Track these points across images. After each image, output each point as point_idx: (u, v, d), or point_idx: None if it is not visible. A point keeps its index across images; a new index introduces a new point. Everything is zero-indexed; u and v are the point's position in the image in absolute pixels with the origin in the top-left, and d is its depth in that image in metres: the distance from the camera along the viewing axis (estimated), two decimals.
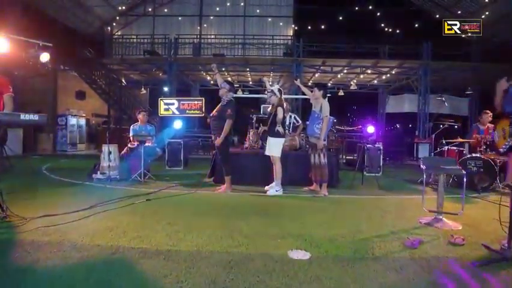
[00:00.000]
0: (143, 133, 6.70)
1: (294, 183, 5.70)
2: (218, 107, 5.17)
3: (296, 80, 6.41)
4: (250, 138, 6.49)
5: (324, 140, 5.12)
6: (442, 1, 16.92)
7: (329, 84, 17.23)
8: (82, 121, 15.33)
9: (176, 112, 11.04)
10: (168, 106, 11.18)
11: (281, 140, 5.14)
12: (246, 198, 4.84)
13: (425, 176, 3.52)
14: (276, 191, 5.05)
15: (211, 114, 5.15)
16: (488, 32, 14.57)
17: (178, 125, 8.47)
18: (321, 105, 5.06)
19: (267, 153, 5.21)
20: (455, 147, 6.59)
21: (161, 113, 11.12)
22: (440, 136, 7.02)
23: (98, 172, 6.08)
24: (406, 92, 18.04)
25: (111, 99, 14.74)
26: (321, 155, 5.07)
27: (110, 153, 6.06)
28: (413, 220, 3.67)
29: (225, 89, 5.12)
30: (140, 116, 6.78)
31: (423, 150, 13.65)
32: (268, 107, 5.57)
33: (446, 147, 6.39)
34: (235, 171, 5.77)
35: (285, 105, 5.47)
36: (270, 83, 5.71)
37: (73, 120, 14.52)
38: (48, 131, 13.38)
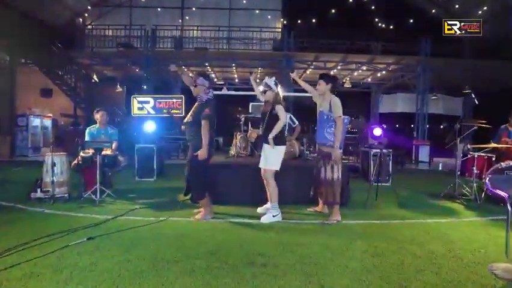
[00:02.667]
0: (103, 138, 5.33)
1: (293, 202, 4.46)
2: (194, 108, 3.84)
3: (292, 72, 5.01)
4: (238, 143, 5.20)
5: (340, 148, 3.89)
6: None
7: None
8: (47, 122, 13.57)
9: (152, 112, 9.61)
10: (142, 105, 9.74)
11: (281, 149, 3.90)
12: (232, 230, 3.51)
13: (510, 209, 2.30)
14: (274, 216, 3.78)
15: (185, 120, 3.81)
16: (484, 29, 13.83)
17: (150, 126, 7.01)
18: (330, 103, 3.83)
19: (262, 165, 3.92)
20: (483, 154, 5.49)
21: (134, 112, 9.68)
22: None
23: (39, 190, 4.66)
24: (399, 91, 17.16)
25: (79, 97, 13.11)
26: (335, 168, 3.83)
27: (54, 165, 4.63)
28: (482, 268, 2.47)
29: (203, 86, 3.76)
30: (98, 116, 5.39)
31: (424, 153, 12.71)
32: (260, 105, 4.33)
33: (475, 154, 5.25)
34: (218, 186, 4.50)
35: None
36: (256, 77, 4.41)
37: (35, 121, 12.77)
38: (3, 132, 11.67)
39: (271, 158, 3.82)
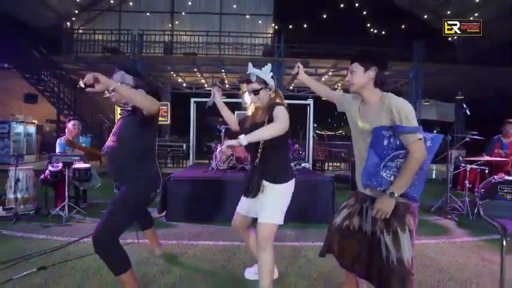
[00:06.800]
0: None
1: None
2: (118, 125, 2.34)
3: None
4: (217, 156, 4.92)
5: (416, 201, 1.80)
6: (429, 2, 16.02)
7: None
8: (31, 128, 13.18)
9: None
10: None
11: (290, 186, 2.20)
12: (205, 257, 3.23)
13: (504, 243, 2.04)
14: None
15: (105, 146, 2.31)
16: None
17: None
18: (391, 110, 1.76)
19: (259, 218, 2.14)
20: (476, 166, 5.24)
21: (118, 119, 9.39)
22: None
23: (1, 208, 4.33)
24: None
25: (62, 103, 12.73)
26: (403, 239, 1.73)
27: (18, 180, 4.32)
28: None
29: (127, 85, 2.24)
30: (70, 126, 5.04)
31: None
32: (245, 113, 2.42)
33: (468, 167, 5.01)
34: (191, 207, 4.22)
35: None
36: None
37: (18, 128, 12.40)
38: None
39: (275, 204, 2.13)
